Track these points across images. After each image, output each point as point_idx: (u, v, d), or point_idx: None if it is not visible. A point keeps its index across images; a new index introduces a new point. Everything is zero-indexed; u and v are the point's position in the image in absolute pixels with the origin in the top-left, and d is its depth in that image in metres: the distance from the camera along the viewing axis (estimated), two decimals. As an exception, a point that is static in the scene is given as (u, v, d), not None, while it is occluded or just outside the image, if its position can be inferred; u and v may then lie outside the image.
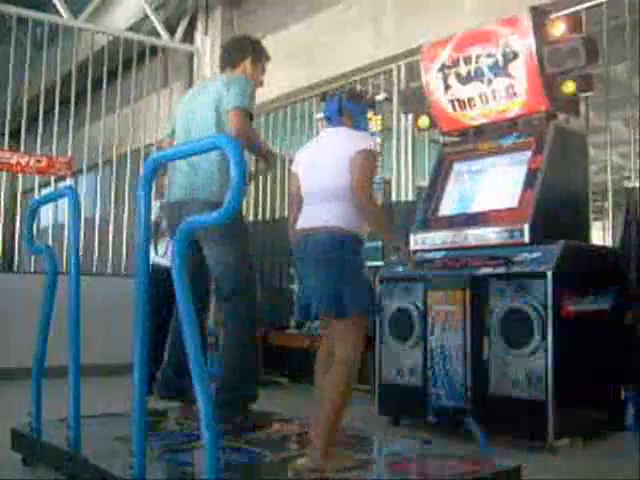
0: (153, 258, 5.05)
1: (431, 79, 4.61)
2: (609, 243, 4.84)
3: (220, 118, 3.51)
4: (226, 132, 3.38)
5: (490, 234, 3.96)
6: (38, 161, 6.89)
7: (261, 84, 3.86)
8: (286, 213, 6.34)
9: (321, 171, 2.87)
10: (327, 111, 3.03)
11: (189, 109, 3.72)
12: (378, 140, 5.98)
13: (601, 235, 7.06)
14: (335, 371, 2.72)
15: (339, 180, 2.79)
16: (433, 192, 4.48)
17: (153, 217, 4.95)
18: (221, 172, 3.42)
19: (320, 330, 3.03)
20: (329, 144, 2.94)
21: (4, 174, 7.18)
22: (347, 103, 2.99)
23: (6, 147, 7.09)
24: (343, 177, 2.77)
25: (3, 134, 7.16)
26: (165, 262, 4.45)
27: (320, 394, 2.80)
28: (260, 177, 3.74)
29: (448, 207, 4.37)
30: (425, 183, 5.04)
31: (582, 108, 4.53)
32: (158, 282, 3.45)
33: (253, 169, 3.95)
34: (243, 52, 3.78)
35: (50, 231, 7.31)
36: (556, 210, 3.96)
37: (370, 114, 6.06)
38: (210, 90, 3.63)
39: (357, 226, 2.81)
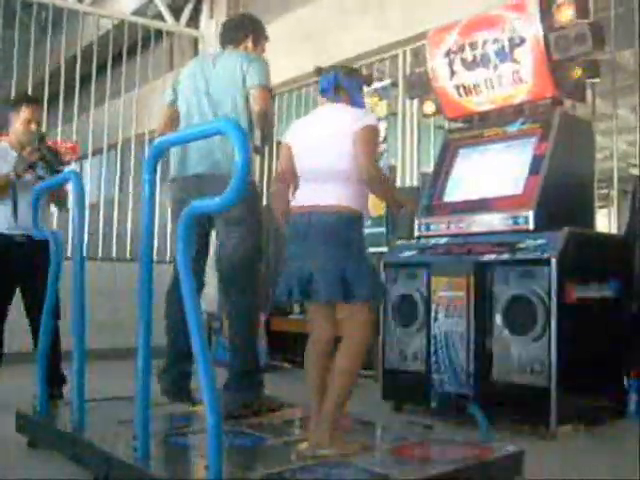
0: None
1: (437, 65, 4.59)
2: (614, 230, 4.83)
3: (240, 94, 3.50)
4: (240, 110, 3.46)
5: (495, 220, 3.95)
6: (43, 145, 6.87)
7: None
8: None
9: (326, 149, 2.79)
10: (323, 85, 2.96)
11: (198, 83, 3.63)
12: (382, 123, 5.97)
13: (606, 222, 7.05)
14: (346, 353, 2.69)
15: (346, 159, 2.74)
16: (438, 178, 4.46)
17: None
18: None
19: (309, 315, 2.94)
20: (331, 121, 2.86)
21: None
22: (343, 79, 2.93)
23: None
24: (349, 156, 2.73)
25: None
26: (18, 232, 3.84)
27: (313, 379, 2.79)
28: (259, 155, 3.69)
29: (453, 193, 4.35)
30: (430, 169, 5.03)
31: (588, 95, 4.50)
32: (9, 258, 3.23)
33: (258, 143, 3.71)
34: (245, 31, 3.74)
35: (55, 216, 7.31)
36: (561, 197, 3.94)
37: (375, 99, 6.06)
38: (228, 65, 3.56)
39: (364, 206, 2.80)
